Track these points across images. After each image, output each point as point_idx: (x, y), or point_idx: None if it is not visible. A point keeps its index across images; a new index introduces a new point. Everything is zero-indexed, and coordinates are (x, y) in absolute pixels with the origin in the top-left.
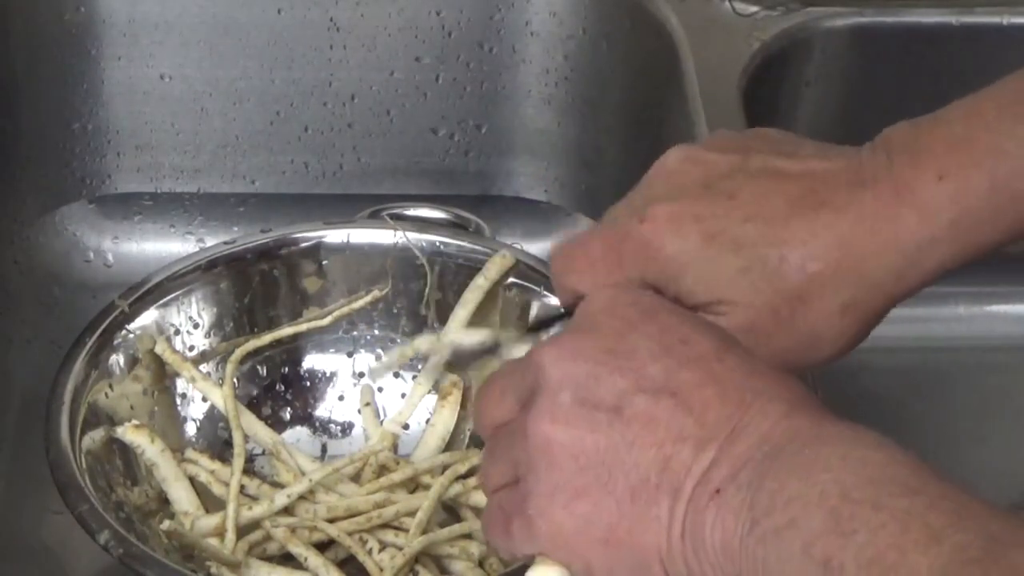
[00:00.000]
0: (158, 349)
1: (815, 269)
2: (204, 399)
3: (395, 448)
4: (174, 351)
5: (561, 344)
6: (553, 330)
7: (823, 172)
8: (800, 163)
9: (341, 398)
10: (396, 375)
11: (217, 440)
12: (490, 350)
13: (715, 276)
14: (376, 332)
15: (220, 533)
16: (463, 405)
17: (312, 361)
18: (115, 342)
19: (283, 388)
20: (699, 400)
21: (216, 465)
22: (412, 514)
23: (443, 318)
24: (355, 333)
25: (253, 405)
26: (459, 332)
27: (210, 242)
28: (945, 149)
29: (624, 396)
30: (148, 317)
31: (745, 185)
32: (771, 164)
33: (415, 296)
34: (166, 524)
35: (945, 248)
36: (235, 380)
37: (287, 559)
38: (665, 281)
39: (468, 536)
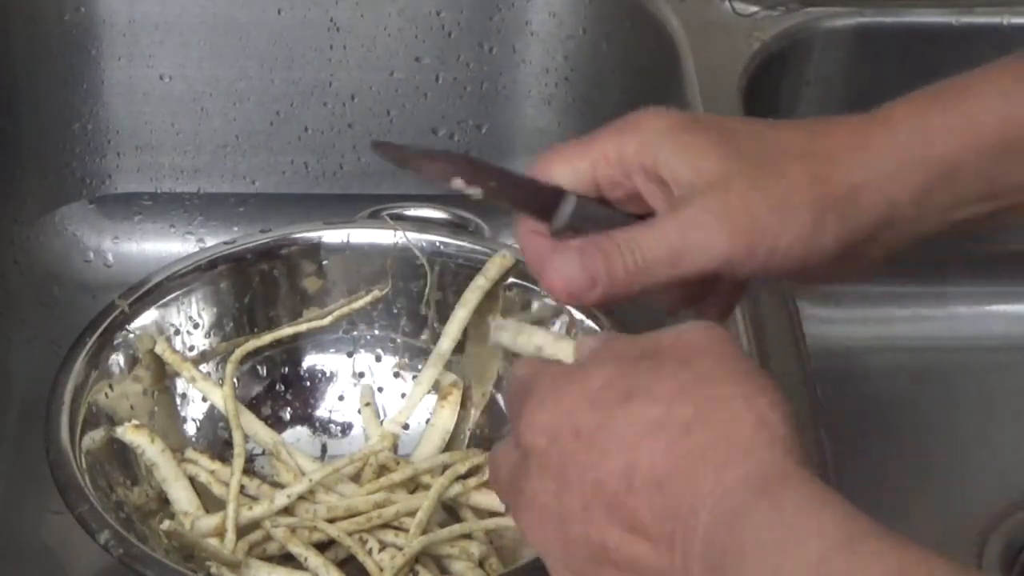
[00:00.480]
0: (158, 349)
1: (786, 145)
2: (204, 399)
3: (395, 448)
4: (174, 351)
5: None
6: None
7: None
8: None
9: (341, 398)
10: (396, 375)
11: (217, 440)
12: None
13: (690, 143)
14: (376, 332)
15: (220, 533)
16: (463, 405)
17: (312, 361)
18: (115, 342)
19: (283, 388)
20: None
21: (216, 465)
22: (412, 514)
23: (443, 318)
24: (355, 333)
25: (253, 405)
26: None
27: (210, 242)
28: (917, 92)
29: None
30: (148, 317)
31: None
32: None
33: (415, 296)
34: (166, 524)
35: (908, 155)
36: (235, 380)
37: (287, 559)
38: (637, 151)
39: (468, 536)
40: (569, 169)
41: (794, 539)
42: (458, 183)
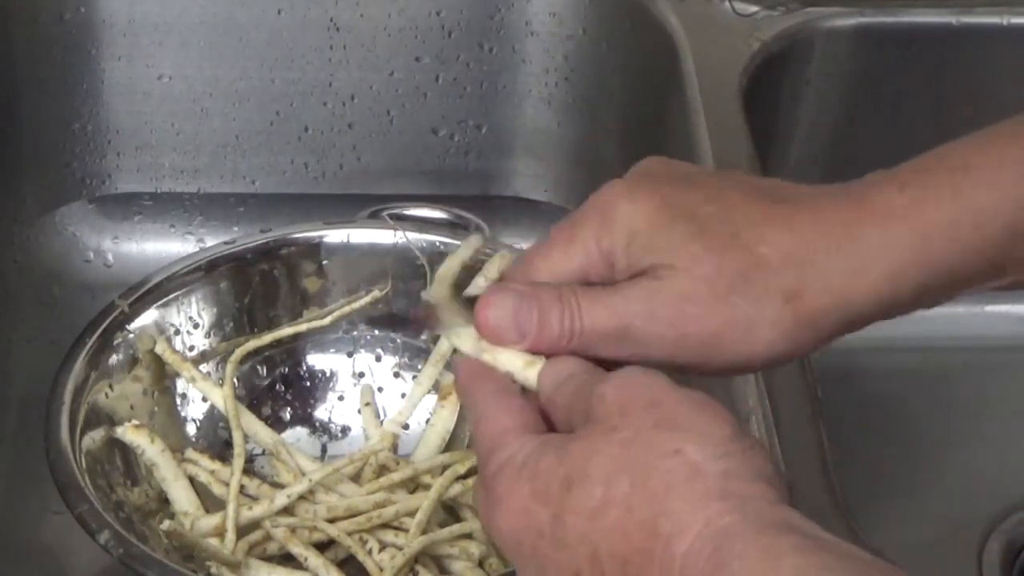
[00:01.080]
0: (158, 349)
1: (763, 252)
2: (204, 399)
3: (395, 448)
4: (174, 351)
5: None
6: None
7: (790, 184)
8: (769, 179)
9: (341, 398)
10: (396, 375)
11: (217, 440)
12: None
13: (663, 240)
14: (376, 332)
15: (220, 533)
16: (463, 405)
17: (312, 361)
18: (115, 342)
19: (283, 388)
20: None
21: (216, 465)
22: (412, 514)
23: None
24: (355, 333)
25: (253, 405)
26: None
27: (210, 242)
28: (910, 169)
29: None
30: (148, 317)
31: (711, 179)
32: (740, 175)
33: (415, 296)
34: (166, 524)
35: (904, 259)
36: (235, 380)
37: (287, 559)
38: (614, 247)
39: (468, 536)
40: (555, 273)
41: None
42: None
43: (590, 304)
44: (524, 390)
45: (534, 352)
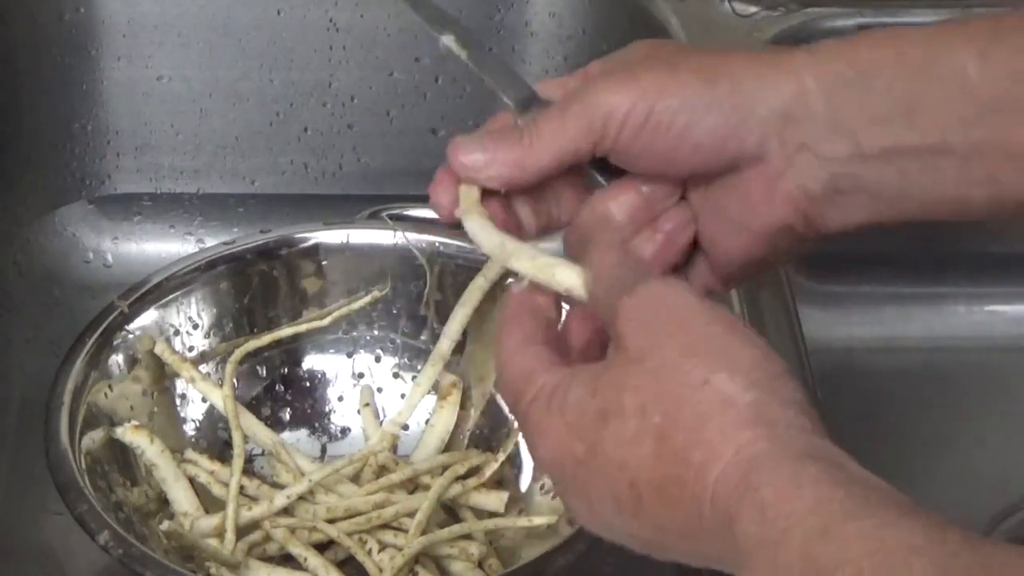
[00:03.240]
0: (158, 350)
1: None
2: (204, 399)
3: (395, 448)
4: (174, 352)
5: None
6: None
7: None
8: None
9: (340, 399)
10: (395, 375)
11: (217, 440)
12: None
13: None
14: (376, 332)
15: (220, 534)
16: (463, 405)
17: (311, 362)
18: (115, 342)
19: (283, 389)
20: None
21: (216, 466)
22: (412, 515)
23: (443, 318)
24: (354, 334)
25: (253, 406)
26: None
27: (210, 242)
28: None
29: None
30: (148, 317)
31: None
32: None
33: (415, 296)
34: (166, 524)
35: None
36: (235, 381)
37: (287, 559)
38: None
39: (468, 536)
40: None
41: (776, 537)
42: (449, 40)
43: (546, 117)
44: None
45: (502, 179)
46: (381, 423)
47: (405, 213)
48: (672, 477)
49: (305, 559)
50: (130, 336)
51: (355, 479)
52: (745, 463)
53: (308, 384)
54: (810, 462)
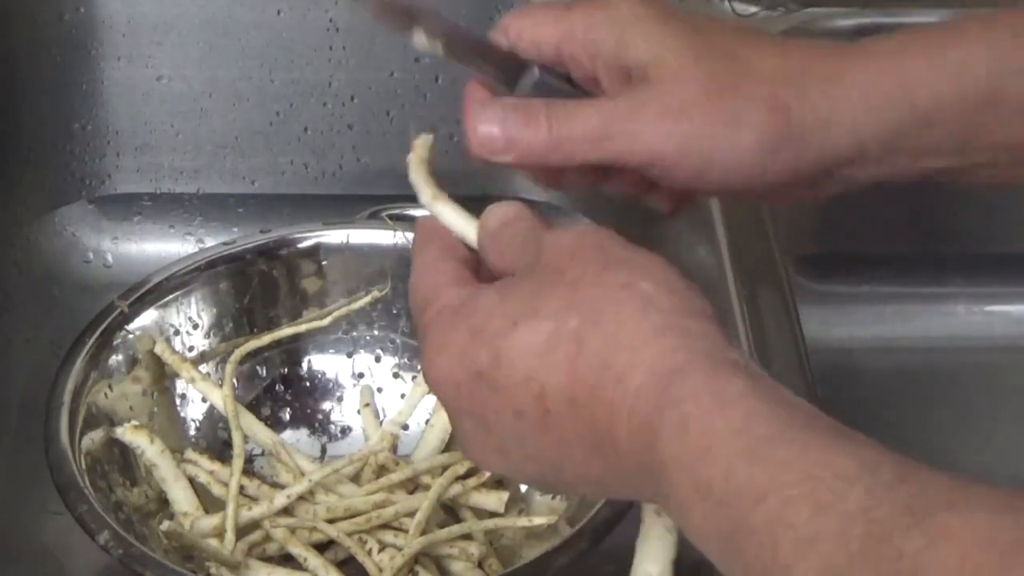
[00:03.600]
0: (158, 349)
1: (755, 65)
2: (204, 400)
3: (395, 448)
4: (173, 352)
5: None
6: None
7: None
8: None
9: (340, 399)
10: (395, 375)
11: (217, 440)
12: None
13: (658, 33)
14: (375, 332)
15: (219, 534)
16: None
17: (311, 362)
18: (115, 342)
19: (283, 389)
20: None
21: (216, 466)
22: (411, 515)
23: None
24: (354, 334)
25: (253, 406)
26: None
27: (210, 242)
28: (904, 29)
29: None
30: (148, 317)
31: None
32: None
33: None
34: (166, 525)
35: (883, 94)
36: (234, 381)
37: (287, 560)
38: (602, 38)
39: (467, 536)
40: (536, 37)
41: (699, 454)
42: (420, 37)
43: (576, 108)
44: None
45: (523, 162)
46: (381, 423)
47: (405, 213)
48: (588, 384)
49: (305, 559)
50: (130, 336)
51: (355, 479)
52: (668, 372)
53: (308, 384)
54: (734, 374)
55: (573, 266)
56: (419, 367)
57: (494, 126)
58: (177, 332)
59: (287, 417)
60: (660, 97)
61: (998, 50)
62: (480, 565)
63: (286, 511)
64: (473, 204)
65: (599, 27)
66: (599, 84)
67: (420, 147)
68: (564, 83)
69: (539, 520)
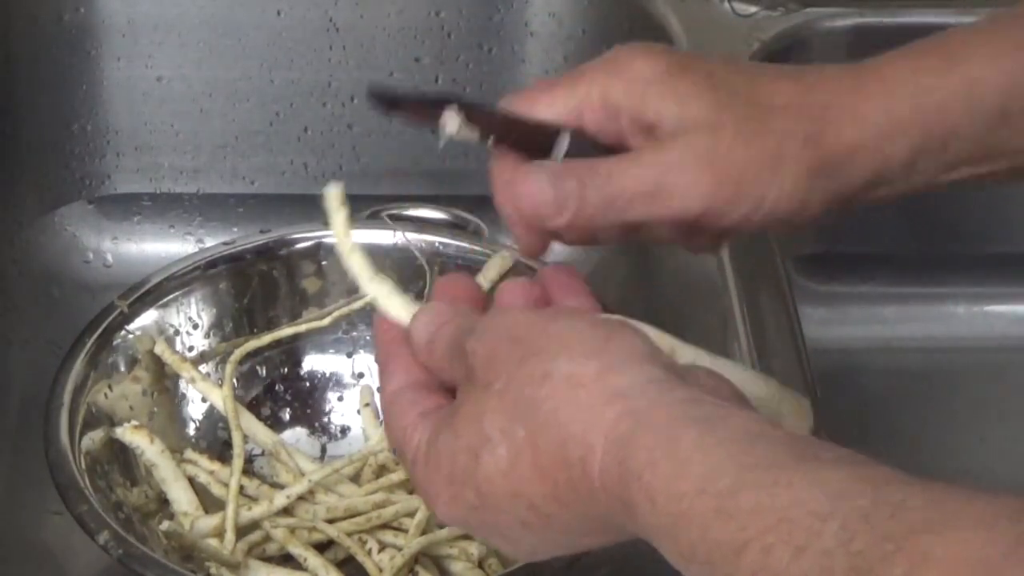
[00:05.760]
0: (157, 349)
1: (779, 103)
2: (203, 399)
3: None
4: (173, 352)
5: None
6: None
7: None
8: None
9: (340, 399)
10: None
11: (217, 440)
12: None
13: (681, 88)
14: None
15: (219, 534)
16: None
17: (311, 362)
18: (115, 342)
19: (282, 389)
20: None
21: (215, 466)
22: (411, 514)
23: None
24: (354, 334)
25: (252, 406)
26: None
27: (210, 242)
28: (914, 44)
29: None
30: (148, 317)
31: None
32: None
33: (415, 296)
34: (165, 525)
35: (902, 115)
36: (234, 381)
37: (287, 560)
38: (621, 99)
39: (468, 536)
40: (554, 109)
41: (672, 524)
42: (452, 127)
43: (620, 167)
44: None
45: (575, 224)
46: (381, 423)
47: (405, 213)
48: (561, 483)
49: (305, 559)
50: (130, 336)
51: (355, 479)
52: (619, 447)
53: (308, 384)
54: (683, 425)
55: (495, 373)
56: None
57: (545, 187)
58: (177, 332)
59: (287, 417)
60: (699, 148)
61: (1008, 60)
62: (480, 565)
63: (286, 511)
64: (474, 204)
65: (616, 92)
66: (626, 145)
67: (334, 198)
68: (596, 147)
69: None
